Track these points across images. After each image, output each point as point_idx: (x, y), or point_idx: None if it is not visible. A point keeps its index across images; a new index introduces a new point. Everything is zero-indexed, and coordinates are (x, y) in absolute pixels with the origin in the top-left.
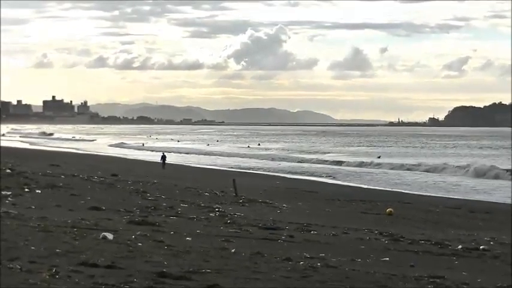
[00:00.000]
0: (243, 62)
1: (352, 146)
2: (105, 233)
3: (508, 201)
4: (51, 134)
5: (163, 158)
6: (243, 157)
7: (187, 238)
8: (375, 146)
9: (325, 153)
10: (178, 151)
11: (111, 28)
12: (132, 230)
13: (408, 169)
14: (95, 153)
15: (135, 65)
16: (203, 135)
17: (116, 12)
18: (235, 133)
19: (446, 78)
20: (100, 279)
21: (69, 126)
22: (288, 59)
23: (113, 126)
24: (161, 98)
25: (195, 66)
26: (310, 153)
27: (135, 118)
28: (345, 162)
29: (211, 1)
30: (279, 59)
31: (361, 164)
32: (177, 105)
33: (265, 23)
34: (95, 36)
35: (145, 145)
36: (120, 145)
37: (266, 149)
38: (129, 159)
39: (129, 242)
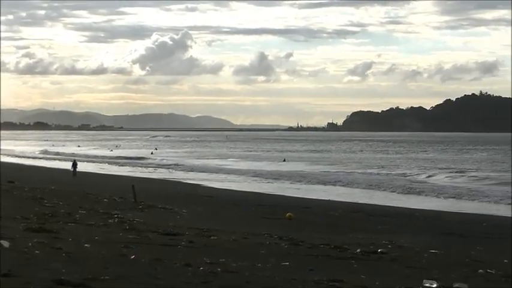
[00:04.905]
0: (147, 67)
1: (255, 151)
2: (1, 241)
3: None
4: None
5: (75, 165)
6: (143, 165)
7: (86, 245)
8: (279, 151)
9: (225, 158)
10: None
11: (6, 32)
12: (29, 237)
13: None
14: None
15: (38, 69)
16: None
17: (10, 16)
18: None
19: (349, 84)
20: None
21: None
22: (194, 64)
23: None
24: (59, 104)
25: (99, 71)
26: (209, 158)
27: (31, 124)
28: (245, 168)
29: (108, 4)
30: (185, 64)
31: (256, 172)
32: (75, 111)
33: (164, 28)
34: None
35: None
36: None
37: (164, 157)
38: (27, 166)
39: (26, 249)
